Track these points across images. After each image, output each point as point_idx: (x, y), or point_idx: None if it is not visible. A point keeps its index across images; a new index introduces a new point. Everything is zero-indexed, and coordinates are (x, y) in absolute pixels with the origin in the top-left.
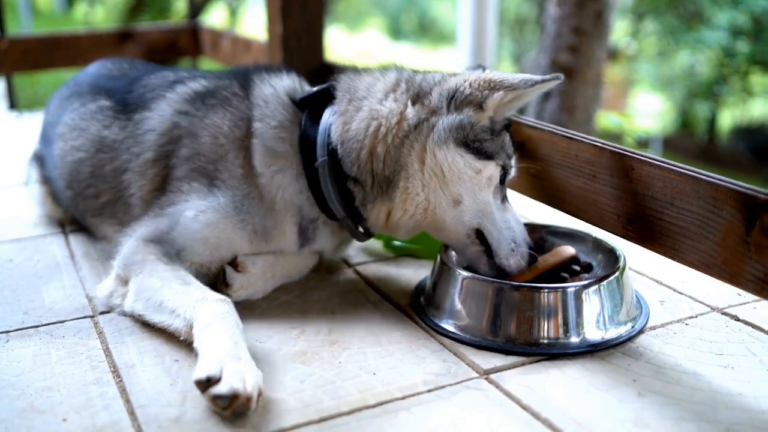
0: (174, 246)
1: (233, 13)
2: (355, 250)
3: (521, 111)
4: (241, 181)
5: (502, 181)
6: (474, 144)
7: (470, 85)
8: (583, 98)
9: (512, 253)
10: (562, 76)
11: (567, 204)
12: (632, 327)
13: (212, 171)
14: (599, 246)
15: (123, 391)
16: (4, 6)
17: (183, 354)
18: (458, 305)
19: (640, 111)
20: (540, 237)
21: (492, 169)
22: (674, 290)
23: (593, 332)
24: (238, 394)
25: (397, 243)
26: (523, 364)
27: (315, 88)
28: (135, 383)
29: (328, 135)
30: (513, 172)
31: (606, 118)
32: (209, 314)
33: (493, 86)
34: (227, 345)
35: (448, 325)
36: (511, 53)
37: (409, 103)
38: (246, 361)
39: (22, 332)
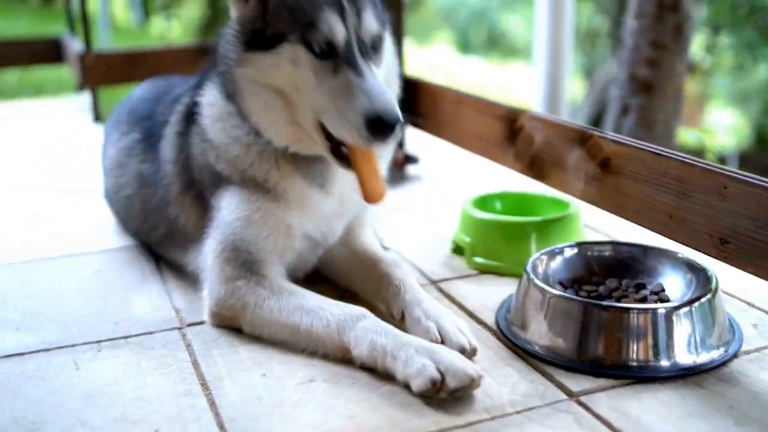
0: (248, 259)
1: None
2: (438, 266)
3: (596, 123)
4: (222, 165)
5: (323, 54)
6: (255, 40)
7: None
8: (663, 113)
9: (342, 130)
10: None
11: (655, 222)
12: (725, 351)
13: (216, 176)
14: (690, 266)
15: (212, 404)
16: (90, 23)
17: (269, 368)
18: (545, 324)
19: (715, 126)
20: (630, 255)
21: (289, 53)
22: None
23: (684, 356)
24: (472, 378)
25: (480, 260)
26: (612, 387)
27: None
28: (223, 396)
29: None
30: (335, 34)
31: (686, 134)
32: (362, 334)
33: None
34: (414, 348)
35: (535, 345)
36: (582, 66)
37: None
38: (440, 349)
39: (113, 342)
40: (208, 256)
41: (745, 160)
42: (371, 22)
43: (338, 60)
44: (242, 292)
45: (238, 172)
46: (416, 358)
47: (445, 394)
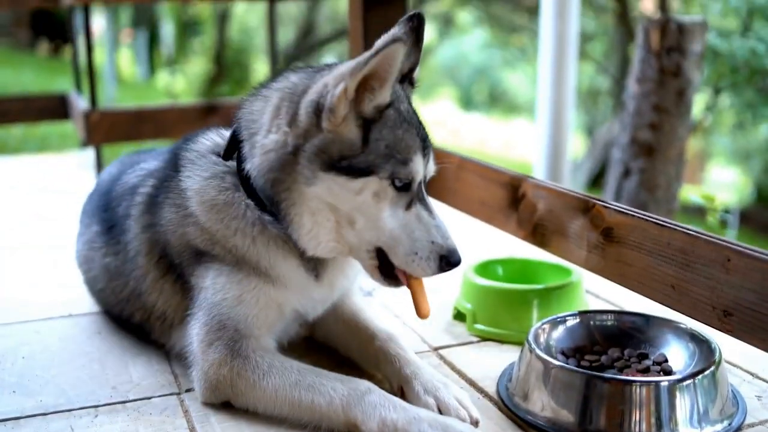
0: (233, 338)
1: None
2: (439, 332)
3: (594, 188)
4: (211, 245)
5: (400, 188)
6: (342, 163)
7: (326, 86)
8: (664, 177)
9: (411, 263)
10: (399, 38)
11: (658, 292)
12: (729, 424)
13: (198, 252)
14: (693, 337)
15: None
16: (96, 80)
17: None
18: (547, 396)
19: (715, 183)
20: (633, 325)
21: (375, 185)
22: None
23: (687, 430)
24: None
25: (481, 327)
26: None
27: (227, 136)
28: None
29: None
30: (418, 174)
31: (687, 196)
32: (370, 409)
33: (339, 80)
34: (426, 423)
35: (536, 416)
36: (583, 124)
37: (287, 129)
38: (454, 422)
39: (111, 407)
40: (193, 340)
41: (746, 217)
42: (433, 166)
43: (411, 195)
44: (231, 378)
45: (234, 256)
46: None
47: None
